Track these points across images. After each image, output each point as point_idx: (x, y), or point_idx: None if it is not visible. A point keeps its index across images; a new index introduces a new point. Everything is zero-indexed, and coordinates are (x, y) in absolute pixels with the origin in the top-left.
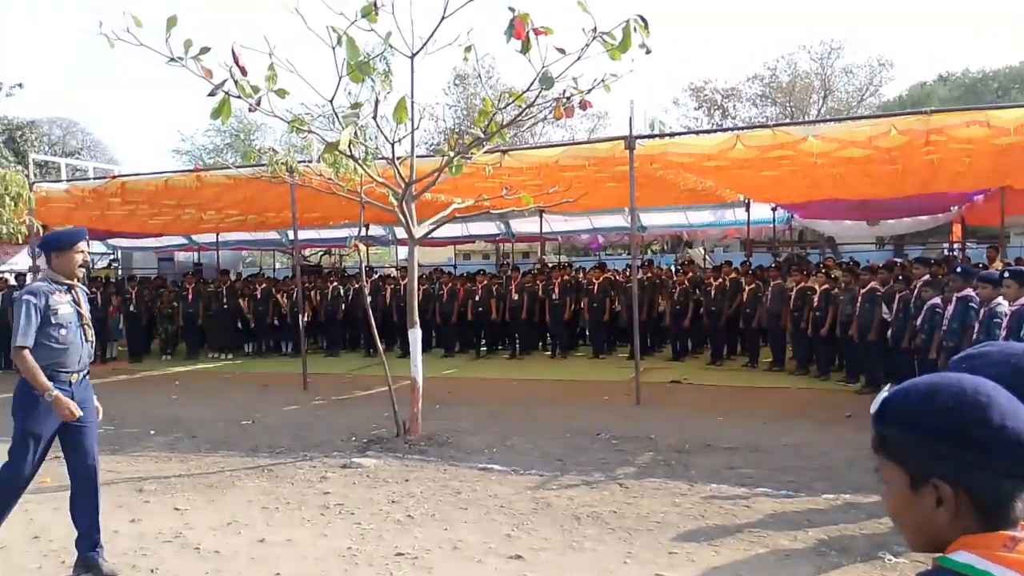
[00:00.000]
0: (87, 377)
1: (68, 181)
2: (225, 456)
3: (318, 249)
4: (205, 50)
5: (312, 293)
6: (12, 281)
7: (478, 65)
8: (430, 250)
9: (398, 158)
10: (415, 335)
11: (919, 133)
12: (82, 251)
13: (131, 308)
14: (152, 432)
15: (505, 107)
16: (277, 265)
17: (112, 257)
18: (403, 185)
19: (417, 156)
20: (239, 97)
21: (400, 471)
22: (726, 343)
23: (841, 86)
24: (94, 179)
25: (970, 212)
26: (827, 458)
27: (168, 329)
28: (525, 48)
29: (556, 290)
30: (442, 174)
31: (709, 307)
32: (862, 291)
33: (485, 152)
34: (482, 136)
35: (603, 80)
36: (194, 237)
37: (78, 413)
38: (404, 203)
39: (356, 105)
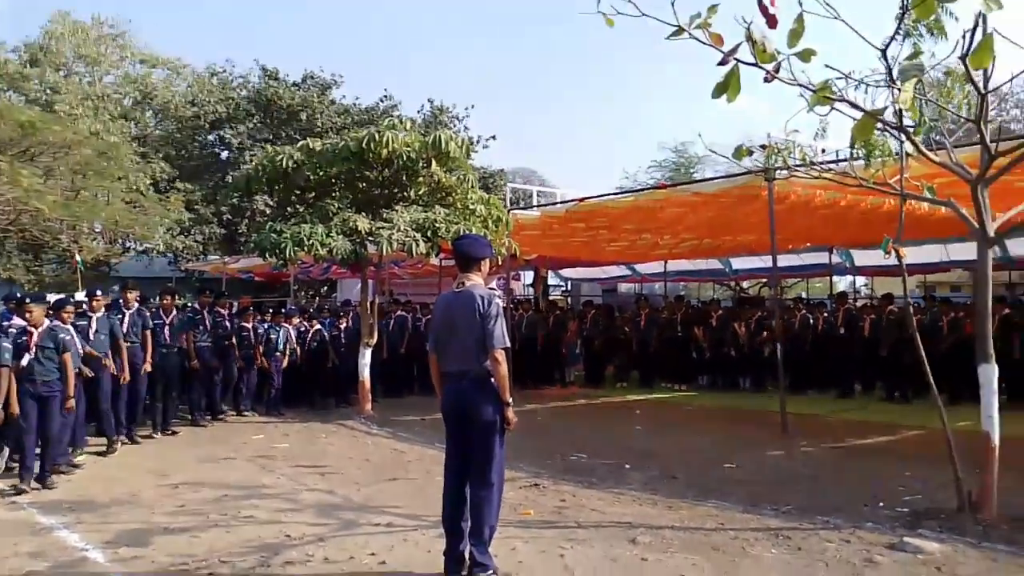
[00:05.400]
0: None
1: (539, 207)
2: (719, 507)
3: (758, 280)
4: (713, 9)
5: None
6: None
7: None
8: (885, 280)
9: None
10: (988, 372)
11: None
12: None
13: (585, 334)
14: (627, 466)
15: None
16: (712, 296)
17: (564, 288)
18: (984, 161)
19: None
20: (754, 64)
21: (988, 569)
22: None
23: None
24: (562, 202)
25: None
26: None
27: (622, 356)
28: None
29: None
30: None
31: None
32: None
33: None
34: None
35: None
36: (638, 267)
37: None
38: (980, 186)
39: (916, 54)
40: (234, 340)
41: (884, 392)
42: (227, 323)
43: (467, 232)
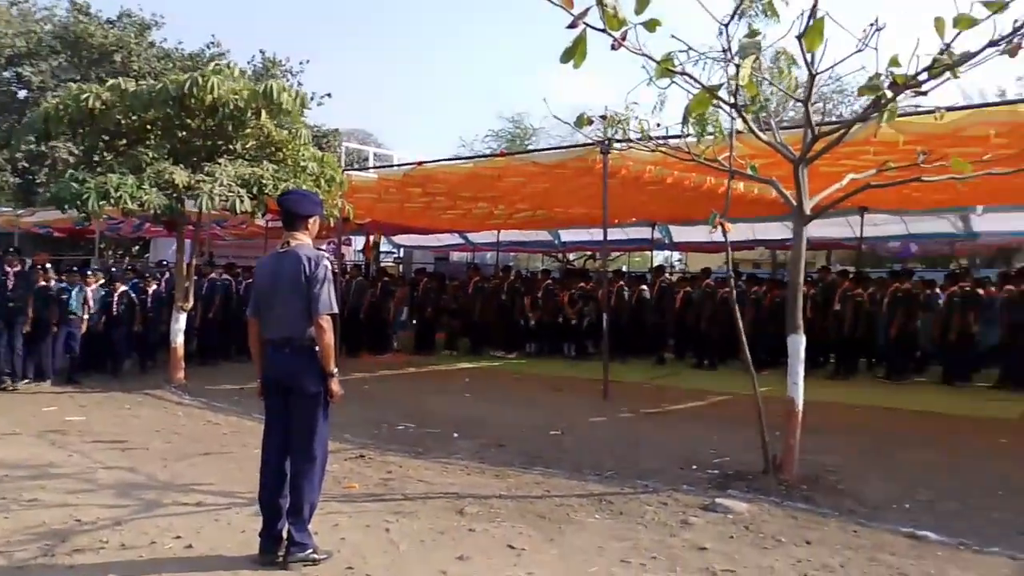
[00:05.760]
0: None
1: (375, 168)
2: (546, 475)
3: (584, 253)
4: None
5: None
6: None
7: None
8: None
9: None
10: (797, 342)
11: None
12: None
13: (416, 302)
14: (456, 435)
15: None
16: (541, 267)
17: (396, 255)
18: (807, 141)
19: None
20: (603, 31)
21: (790, 526)
22: None
23: None
24: (399, 165)
25: None
26: None
27: (452, 324)
28: None
29: (886, 301)
30: (855, 127)
31: None
32: None
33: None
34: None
35: None
36: (471, 237)
37: None
38: (801, 167)
39: (753, 33)
40: (28, 301)
41: (695, 360)
42: (9, 281)
43: (297, 188)
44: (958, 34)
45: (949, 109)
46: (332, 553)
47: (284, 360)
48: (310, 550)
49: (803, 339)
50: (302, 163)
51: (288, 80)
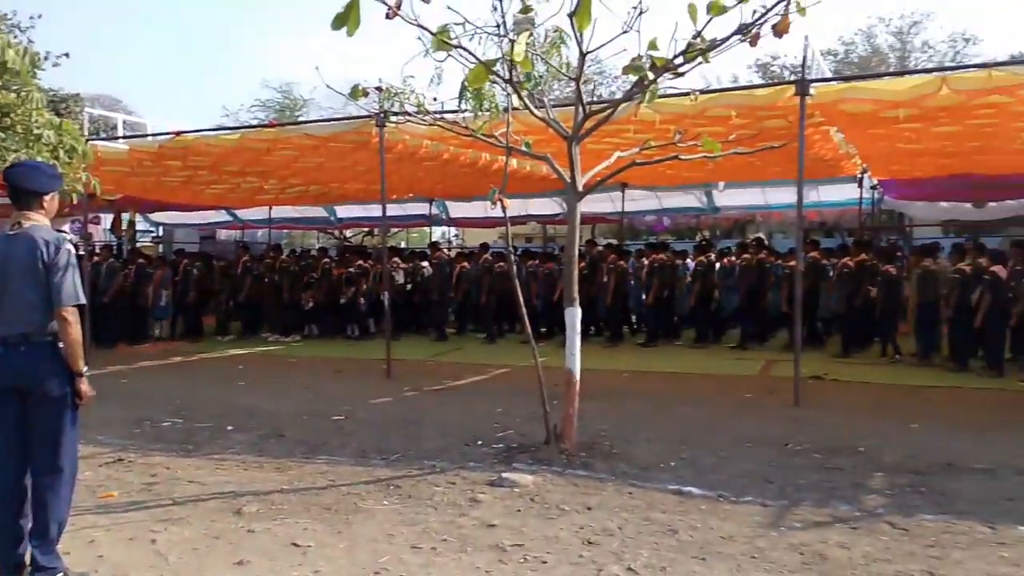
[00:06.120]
0: None
1: (126, 138)
2: (330, 464)
3: (362, 229)
4: None
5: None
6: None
7: None
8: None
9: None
10: (574, 314)
11: None
12: None
13: (179, 285)
14: (230, 428)
15: (708, 22)
16: (317, 245)
17: (154, 234)
18: (579, 118)
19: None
20: None
21: (572, 493)
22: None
23: (919, 63)
24: (154, 135)
25: None
26: None
27: (221, 308)
28: None
29: (645, 271)
30: (621, 106)
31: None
32: None
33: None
34: (680, 59)
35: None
36: (240, 213)
37: None
38: (574, 144)
39: (527, 8)
40: None
41: (479, 334)
42: None
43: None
44: (709, 20)
45: (702, 92)
46: (88, 574)
47: (20, 360)
48: (60, 573)
49: (579, 311)
50: (35, 131)
51: (16, 36)
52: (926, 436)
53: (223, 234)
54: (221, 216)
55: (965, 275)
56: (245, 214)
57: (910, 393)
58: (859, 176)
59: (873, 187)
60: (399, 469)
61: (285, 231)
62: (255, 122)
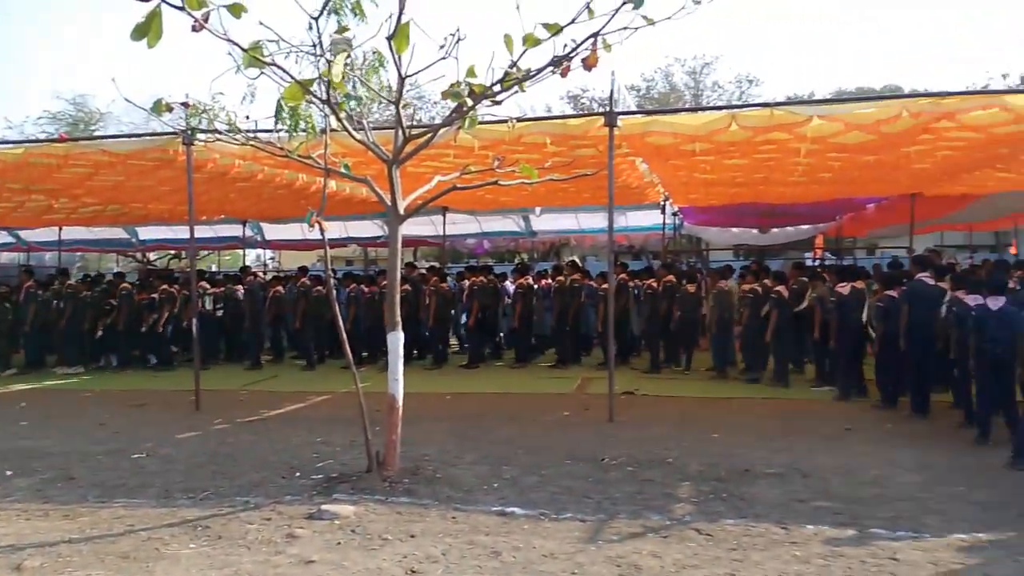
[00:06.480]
0: None
1: None
2: (129, 507)
3: (167, 252)
4: None
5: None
6: None
7: None
8: (292, 254)
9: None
10: (396, 339)
11: (931, 116)
12: None
13: None
14: (9, 473)
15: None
16: (115, 269)
17: None
18: (399, 142)
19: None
20: (181, 8)
21: (395, 522)
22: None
23: (711, 101)
24: None
25: (849, 223)
26: (896, 484)
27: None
28: None
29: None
30: (441, 131)
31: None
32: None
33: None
34: (497, 86)
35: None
36: (24, 235)
37: None
38: (394, 168)
39: (343, 28)
40: None
41: (298, 360)
42: None
43: None
44: (524, 51)
45: (519, 120)
46: None
47: None
48: None
49: (402, 335)
50: None
51: None
52: (726, 445)
53: (4, 257)
54: (3, 237)
55: (757, 294)
56: (31, 235)
57: (710, 404)
58: (662, 203)
59: (674, 214)
60: (208, 508)
61: (78, 254)
62: (43, 136)
